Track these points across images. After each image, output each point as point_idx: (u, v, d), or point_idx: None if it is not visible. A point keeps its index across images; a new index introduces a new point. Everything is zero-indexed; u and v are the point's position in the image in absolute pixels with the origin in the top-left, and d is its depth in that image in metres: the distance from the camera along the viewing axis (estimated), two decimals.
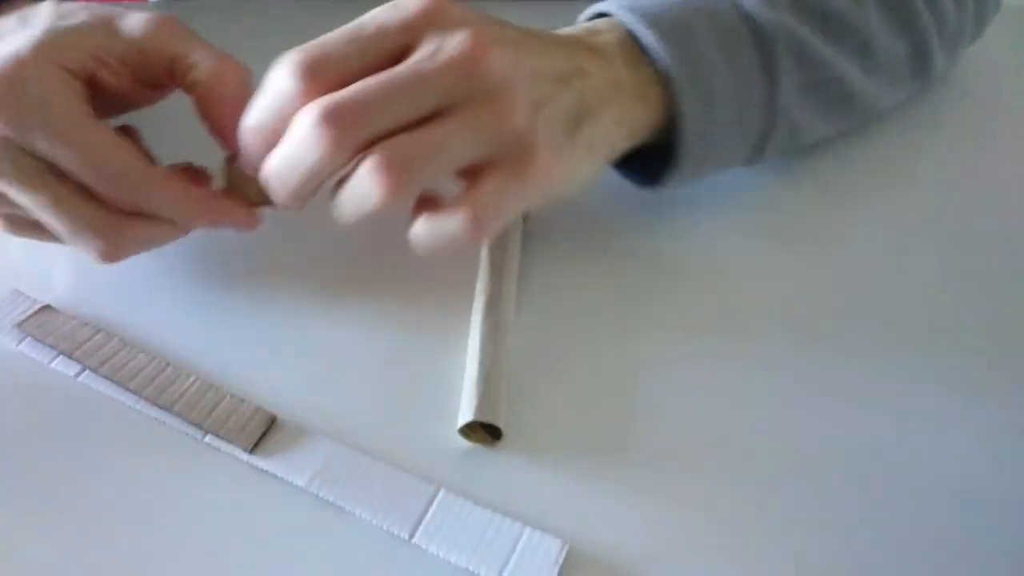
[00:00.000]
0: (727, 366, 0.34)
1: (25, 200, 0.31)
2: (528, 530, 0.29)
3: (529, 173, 0.29)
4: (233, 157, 0.33)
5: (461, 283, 0.37)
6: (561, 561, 0.28)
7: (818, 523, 0.30)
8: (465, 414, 0.31)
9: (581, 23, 0.36)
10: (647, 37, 0.34)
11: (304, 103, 0.27)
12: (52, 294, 0.36)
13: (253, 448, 0.31)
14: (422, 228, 0.30)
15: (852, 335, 0.36)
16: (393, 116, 0.27)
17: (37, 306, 0.35)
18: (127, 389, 0.32)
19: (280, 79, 0.28)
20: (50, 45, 0.31)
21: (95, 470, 0.30)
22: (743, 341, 0.35)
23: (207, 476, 0.30)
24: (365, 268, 0.38)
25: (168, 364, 0.33)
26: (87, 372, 0.33)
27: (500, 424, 0.31)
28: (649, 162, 0.36)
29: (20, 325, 0.34)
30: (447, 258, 0.38)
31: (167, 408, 0.32)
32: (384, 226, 0.39)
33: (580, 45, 0.33)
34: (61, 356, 0.33)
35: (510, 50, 0.29)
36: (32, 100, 0.30)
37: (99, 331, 0.34)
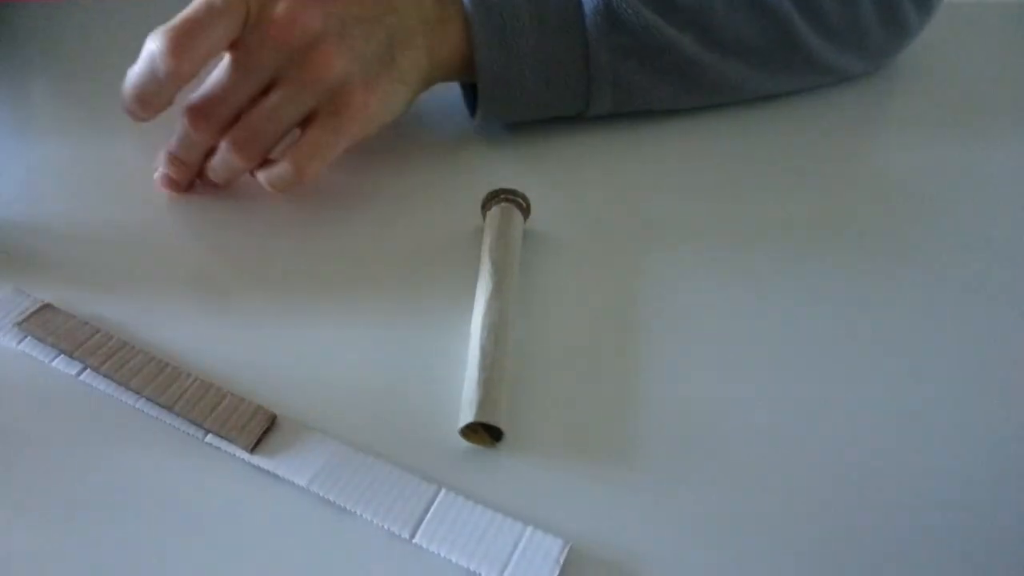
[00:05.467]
0: (728, 366, 0.34)
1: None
2: (529, 530, 0.29)
3: (345, 113, 0.37)
4: None
5: (461, 283, 0.37)
6: (562, 561, 0.28)
7: (818, 523, 0.30)
8: (466, 415, 0.31)
9: None
10: None
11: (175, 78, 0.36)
12: (53, 293, 0.36)
13: (254, 447, 0.31)
14: (261, 176, 0.38)
15: (853, 334, 0.36)
16: (238, 100, 0.37)
17: (37, 305, 0.35)
18: (128, 388, 0.32)
19: (152, 56, 0.35)
20: None
21: (96, 469, 0.30)
22: (743, 341, 0.35)
23: (207, 475, 0.30)
24: (366, 268, 0.38)
25: (168, 363, 0.33)
26: (88, 371, 0.33)
27: (500, 425, 0.31)
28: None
29: (21, 324, 0.34)
30: (447, 258, 0.38)
31: (168, 407, 0.32)
32: (385, 227, 0.40)
33: None
34: (62, 355, 0.33)
35: (318, 6, 0.36)
36: None
37: (99, 330, 0.34)
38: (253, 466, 0.30)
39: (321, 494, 0.29)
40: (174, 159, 0.39)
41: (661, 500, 0.30)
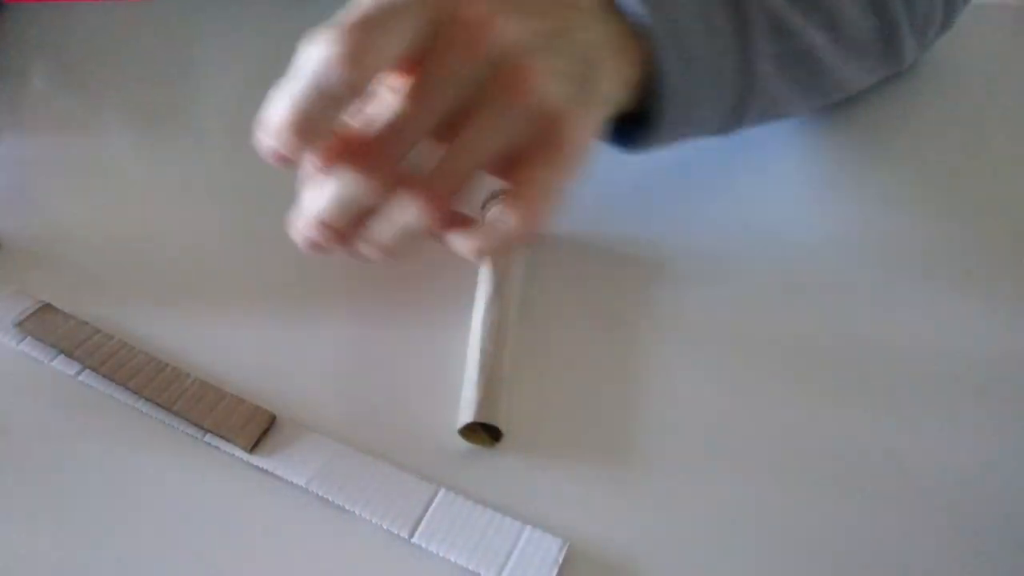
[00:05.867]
0: (727, 366, 0.34)
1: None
2: (528, 529, 0.29)
3: (566, 146, 0.30)
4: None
5: (462, 283, 0.37)
6: (561, 560, 0.28)
7: (819, 521, 0.30)
8: (465, 415, 0.31)
9: None
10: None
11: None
12: (52, 293, 0.36)
13: (253, 447, 0.31)
14: (463, 239, 0.31)
15: (853, 334, 0.36)
16: (419, 132, 0.29)
17: (37, 305, 0.35)
18: (127, 388, 0.32)
19: (319, 63, 0.27)
20: None
21: (95, 469, 0.30)
22: (743, 341, 0.35)
23: (207, 475, 0.30)
24: (366, 268, 0.38)
25: (168, 363, 0.33)
26: (87, 371, 0.33)
27: (500, 425, 0.31)
28: (622, 124, 0.36)
29: (20, 324, 0.34)
30: (447, 258, 0.38)
31: (167, 407, 0.32)
32: None
33: (558, 2, 0.32)
34: (61, 355, 0.33)
35: (518, 11, 0.29)
36: None
37: (99, 330, 0.34)
38: (252, 466, 0.30)
39: (320, 494, 0.29)
40: (325, 226, 0.31)
41: (660, 500, 0.30)
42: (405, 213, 0.30)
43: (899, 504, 0.30)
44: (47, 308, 0.35)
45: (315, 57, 0.27)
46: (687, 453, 0.31)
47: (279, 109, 0.28)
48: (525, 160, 0.30)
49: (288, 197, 0.41)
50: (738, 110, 0.37)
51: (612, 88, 0.32)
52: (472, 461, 0.31)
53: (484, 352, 0.32)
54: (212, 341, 0.35)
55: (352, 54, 0.27)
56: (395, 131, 0.29)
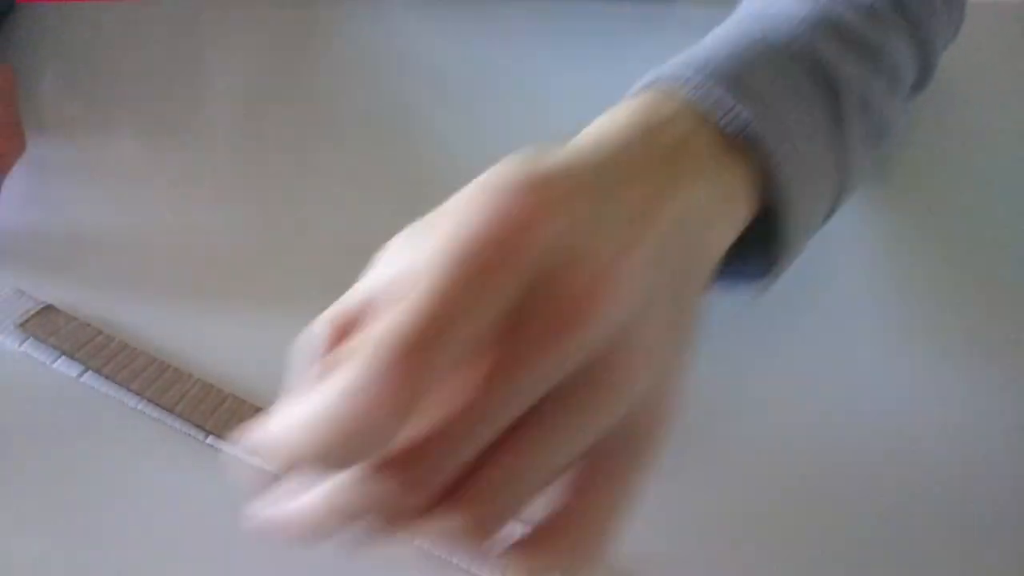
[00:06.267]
0: (725, 363, 0.34)
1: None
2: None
3: (653, 435, 0.22)
4: None
5: None
6: None
7: (818, 522, 0.30)
8: None
9: (642, 97, 0.28)
10: (730, 115, 0.27)
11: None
12: (54, 294, 0.36)
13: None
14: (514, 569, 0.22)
15: (854, 329, 0.36)
16: (482, 441, 0.20)
17: (39, 306, 0.35)
18: (129, 390, 0.32)
19: (360, 380, 0.19)
20: None
21: (96, 471, 0.30)
22: (742, 337, 0.35)
23: (208, 476, 0.30)
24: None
25: (170, 365, 0.33)
26: (89, 373, 0.33)
27: None
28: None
29: (22, 325, 0.34)
30: None
31: (169, 409, 0.32)
32: (390, 230, 0.39)
33: (653, 160, 0.25)
34: (63, 357, 0.34)
35: (636, 263, 0.21)
36: None
37: (101, 332, 0.34)
38: (253, 468, 0.30)
39: None
40: (330, 517, 0.21)
41: (661, 500, 0.30)
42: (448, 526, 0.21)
43: (901, 504, 0.30)
44: (49, 309, 0.35)
45: (352, 375, 0.19)
46: (687, 453, 0.32)
47: (292, 437, 0.20)
48: (592, 466, 0.22)
49: (294, 200, 0.41)
50: (834, 207, 0.32)
51: (706, 269, 0.25)
52: None
53: None
54: (215, 343, 0.35)
55: (407, 375, 0.18)
56: (451, 438, 0.20)
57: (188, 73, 0.46)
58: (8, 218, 0.40)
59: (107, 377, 0.33)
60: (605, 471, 0.22)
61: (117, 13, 0.50)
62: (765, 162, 0.27)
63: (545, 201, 0.20)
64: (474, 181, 0.21)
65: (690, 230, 0.24)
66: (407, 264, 0.21)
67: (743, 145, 0.27)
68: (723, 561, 0.29)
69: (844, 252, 0.39)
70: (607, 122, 0.26)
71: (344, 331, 0.24)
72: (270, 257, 0.38)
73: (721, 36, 0.30)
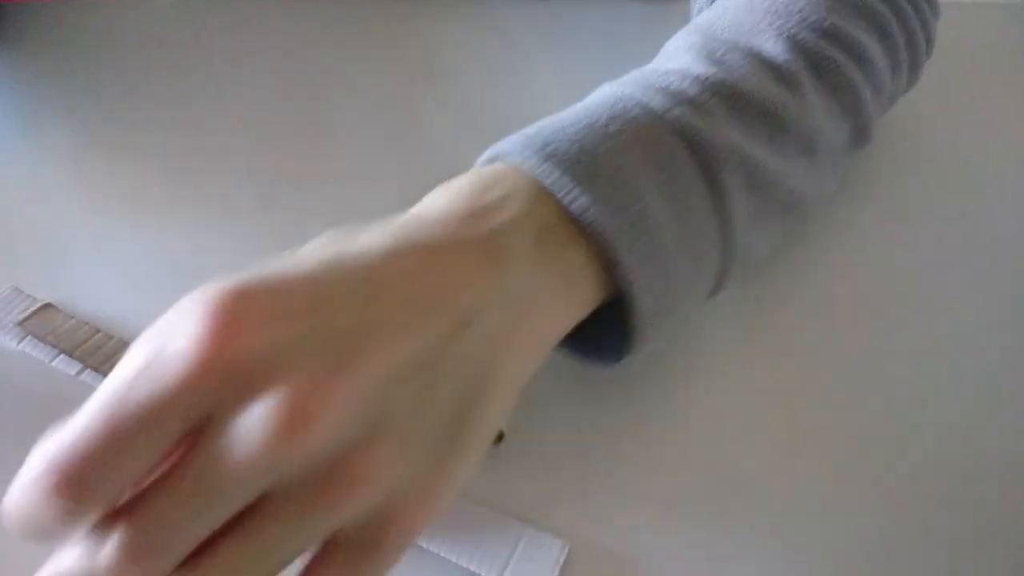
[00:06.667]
0: (728, 363, 0.34)
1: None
2: (529, 530, 0.29)
3: (385, 543, 0.21)
4: None
5: None
6: (561, 561, 0.28)
7: (817, 523, 0.30)
8: None
9: (479, 172, 0.27)
10: (576, 201, 0.25)
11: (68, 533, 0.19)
12: (53, 293, 0.36)
13: None
14: None
15: (857, 332, 0.36)
16: (204, 529, 0.19)
17: (38, 305, 0.35)
18: None
19: (25, 506, 0.19)
20: None
21: None
22: (745, 338, 0.35)
23: None
24: None
25: None
26: (88, 371, 0.33)
27: (500, 425, 0.31)
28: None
29: (21, 324, 0.34)
30: None
31: None
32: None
33: (470, 241, 0.23)
34: (62, 355, 0.33)
35: (352, 384, 0.19)
36: None
37: (100, 330, 0.34)
38: None
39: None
40: None
41: (660, 500, 0.30)
42: None
43: (903, 505, 0.30)
44: (48, 307, 0.35)
45: (28, 476, 0.20)
46: (688, 453, 0.32)
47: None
48: (328, 548, 0.21)
49: (293, 200, 0.41)
50: (718, 284, 0.30)
51: (514, 378, 0.24)
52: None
53: None
54: None
55: (70, 485, 0.19)
56: (173, 525, 0.19)
57: (188, 72, 0.46)
58: (7, 217, 0.39)
59: (105, 375, 0.33)
60: (336, 561, 0.21)
61: (115, 11, 0.50)
62: (606, 248, 0.25)
63: (239, 319, 0.19)
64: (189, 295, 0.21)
65: (492, 321, 0.23)
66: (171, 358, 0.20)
67: (586, 230, 0.25)
68: (723, 560, 0.29)
69: (845, 253, 0.39)
70: (433, 200, 0.25)
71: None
72: (269, 256, 0.38)
73: (588, 105, 0.29)
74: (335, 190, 0.41)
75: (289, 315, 0.20)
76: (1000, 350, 0.35)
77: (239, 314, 0.19)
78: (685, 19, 0.50)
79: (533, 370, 0.25)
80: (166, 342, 0.19)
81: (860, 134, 0.35)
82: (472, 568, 0.28)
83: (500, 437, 0.31)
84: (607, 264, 0.26)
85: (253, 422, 0.19)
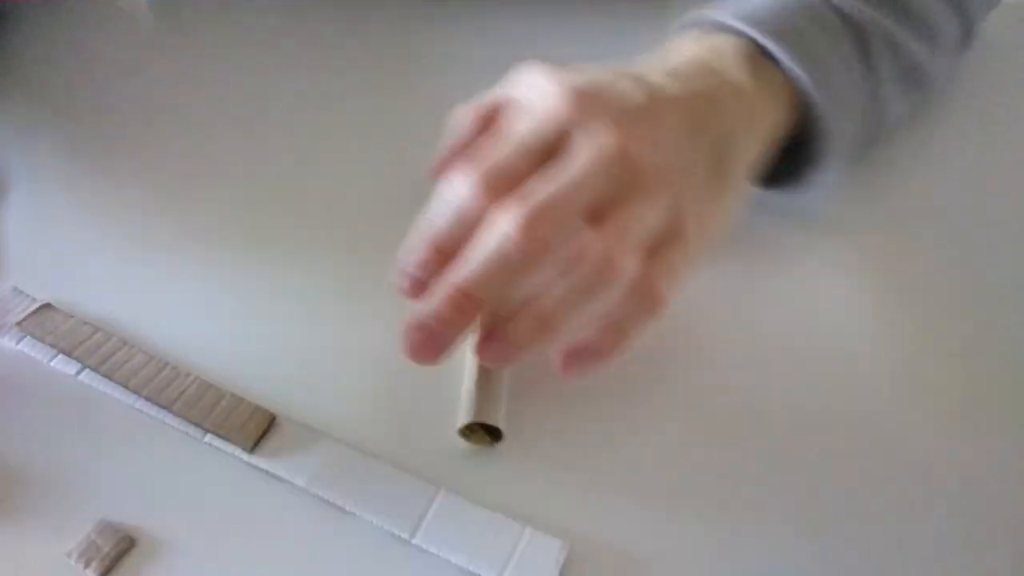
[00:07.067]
0: (729, 364, 0.34)
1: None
2: (529, 530, 0.29)
3: (693, 241, 0.31)
4: None
5: None
6: (562, 561, 0.28)
7: (819, 525, 0.30)
8: (464, 416, 0.31)
9: (686, 34, 0.37)
10: (772, 47, 0.34)
11: (486, 212, 0.29)
12: (51, 292, 0.36)
13: (253, 448, 0.31)
14: (605, 329, 0.30)
15: (857, 331, 0.36)
16: (574, 211, 0.29)
17: (36, 304, 0.35)
18: (126, 388, 0.32)
19: (462, 194, 0.29)
20: None
21: (94, 469, 0.30)
22: (745, 340, 0.35)
23: (207, 475, 0.30)
24: (365, 268, 0.38)
25: (167, 363, 0.33)
26: (87, 371, 0.33)
27: (499, 425, 0.31)
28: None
29: (20, 324, 0.34)
30: None
31: (166, 407, 0.32)
32: (388, 229, 0.39)
33: (706, 73, 0.34)
34: (60, 355, 0.33)
35: (648, 129, 0.30)
36: None
37: (99, 330, 0.34)
38: (252, 467, 0.30)
39: (320, 495, 0.29)
40: (472, 280, 0.29)
41: (661, 500, 0.30)
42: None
43: (903, 506, 0.30)
44: (47, 307, 0.35)
45: (459, 197, 0.29)
46: (688, 453, 0.31)
47: (430, 230, 0.30)
48: (652, 250, 0.30)
49: (292, 200, 0.41)
50: (868, 138, 0.38)
51: (747, 159, 0.34)
52: (472, 461, 0.31)
53: None
54: (211, 340, 0.34)
55: (489, 203, 0.29)
56: (552, 208, 0.29)
57: (185, 74, 0.46)
58: (6, 217, 0.39)
59: (104, 375, 0.33)
60: (659, 254, 0.30)
61: (112, 14, 0.50)
62: (804, 91, 0.34)
63: (652, 127, 0.31)
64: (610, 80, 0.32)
65: (730, 128, 0.33)
66: (541, 93, 0.31)
67: (782, 77, 0.35)
68: (723, 561, 0.29)
69: (846, 252, 0.39)
70: (676, 53, 0.35)
71: (484, 122, 0.34)
72: (268, 256, 0.38)
73: None
74: (335, 190, 0.41)
75: (624, 97, 0.31)
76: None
77: (586, 89, 0.31)
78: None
79: (756, 154, 0.34)
80: (534, 104, 0.31)
81: (966, 32, 0.42)
82: (471, 568, 0.28)
83: (500, 437, 0.31)
84: (801, 105, 0.35)
85: (597, 142, 0.30)
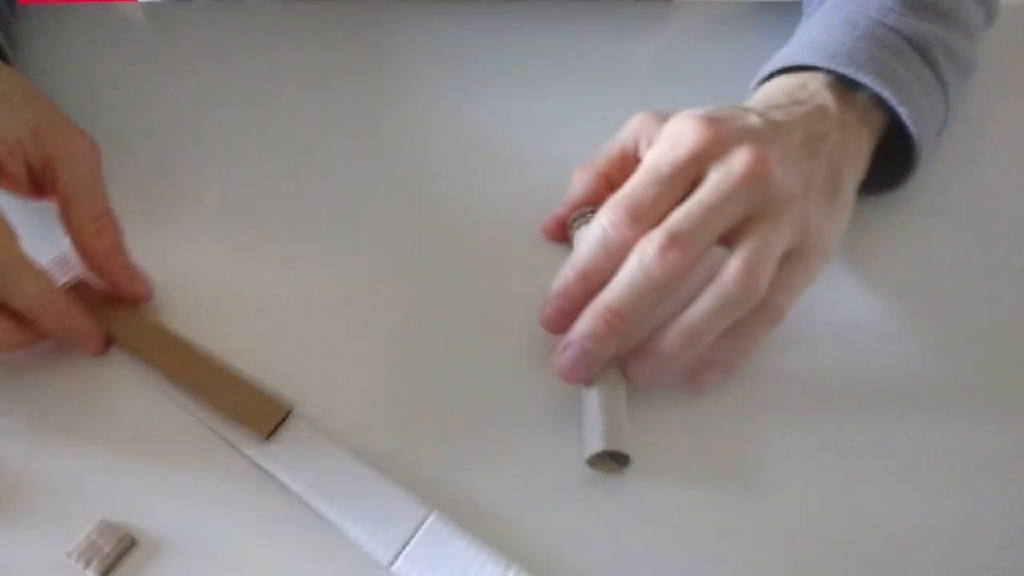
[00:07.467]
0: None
1: None
2: (514, 570, 0.27)
3: (814, 258, 0.33)
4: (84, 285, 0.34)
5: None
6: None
7: (818, 529, 0.30)
8: (593, 444, 0.30)
9: (767, 80, 0.39)
10: (855, 75, 0.36)
11: (634, 244, 0.31)
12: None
13: (269, 436, 0.31)
14: (731, 340, 0.32)
15: (857, 329, 0.35)
16: (713, 234, 0.31)
17: (76, 279, 0.35)
18: (152, 364, 0.33)
19: (611, 228, 0.31)
20: None
21: (94, 469, 0.31)
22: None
23: (207, 476, 0.30)
24: (379, 268, 0.37)
25: (191, 346, 0.33)
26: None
27: (627, 451, 0.30)
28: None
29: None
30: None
31: (189, 388, 0.32)
32: (386, 229, 0.38)
33: (804, 110, 0.36)
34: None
35: (777, 151, 0.32)
36: None
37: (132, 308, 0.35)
38: (253, 466, 0.30)
39: (312, 504, 0.29)
40: (619, 303, 0.31)
41: (661, 506, 0.30)
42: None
43: (906, 502, 0.30)
44: (83, 284, 0.35)
45: (607, 231, 0.31)
46: (687, 457, 0.31)
47: (579, 263, 0.32)
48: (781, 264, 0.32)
49: (291, 200, 0.40)
50: (945, 119, 0.40)
51: (854, 177, 0.36)
52: (467, 475, 0.30)
53: (605, 381, 0.32)
54: (217, 340, 0.34)
55: (638, 235, 0.31)
56: (693, 232, 0.31)
57: (179, 78, 0.45)
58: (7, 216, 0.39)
59: (131, 350, 0.33)
60: (785, 270, 0.32)
61: (106, 18, 0.49)
62: (886, 103, 0.37)
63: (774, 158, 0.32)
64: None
65: (835, 144, 0.35)
66: (674, 128, 0.33)
67: (868, 101, 0.37)
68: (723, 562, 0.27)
69: (849, 252, 0.38)
70: (768, 94, 0.37)
71: (603, 179, 0.37)
72: (276, 256, 0.38)
73: (823, 26, 0.39)
74: (337, 190, 0.40)
75: (750, 125, 0.33)
76: None
77: (715, 119, 0.33)
78: (686, 19, 0.49)
79: (859, 175, 0.36)
80: (674, 143, 0.32)
81: (990, 14, 0.44)
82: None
83: (627, 462, 0.31)
84: (887, 122, 0.38)
85: (734, 168, 0.31)
